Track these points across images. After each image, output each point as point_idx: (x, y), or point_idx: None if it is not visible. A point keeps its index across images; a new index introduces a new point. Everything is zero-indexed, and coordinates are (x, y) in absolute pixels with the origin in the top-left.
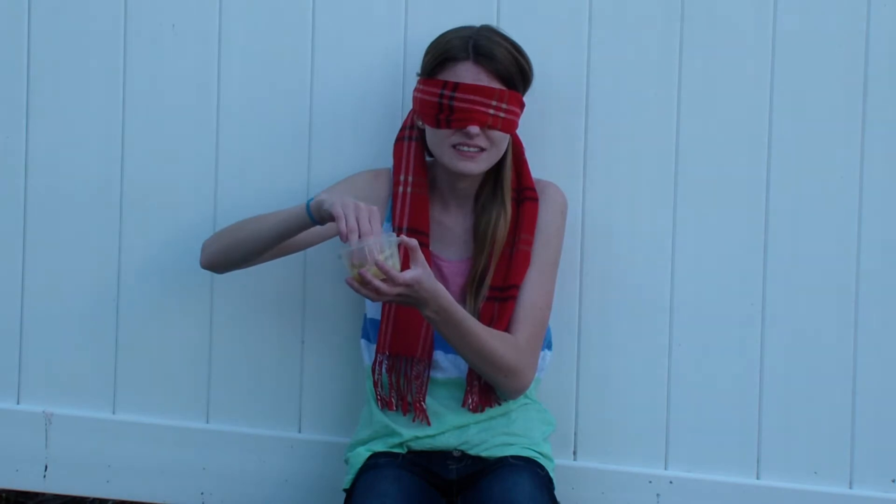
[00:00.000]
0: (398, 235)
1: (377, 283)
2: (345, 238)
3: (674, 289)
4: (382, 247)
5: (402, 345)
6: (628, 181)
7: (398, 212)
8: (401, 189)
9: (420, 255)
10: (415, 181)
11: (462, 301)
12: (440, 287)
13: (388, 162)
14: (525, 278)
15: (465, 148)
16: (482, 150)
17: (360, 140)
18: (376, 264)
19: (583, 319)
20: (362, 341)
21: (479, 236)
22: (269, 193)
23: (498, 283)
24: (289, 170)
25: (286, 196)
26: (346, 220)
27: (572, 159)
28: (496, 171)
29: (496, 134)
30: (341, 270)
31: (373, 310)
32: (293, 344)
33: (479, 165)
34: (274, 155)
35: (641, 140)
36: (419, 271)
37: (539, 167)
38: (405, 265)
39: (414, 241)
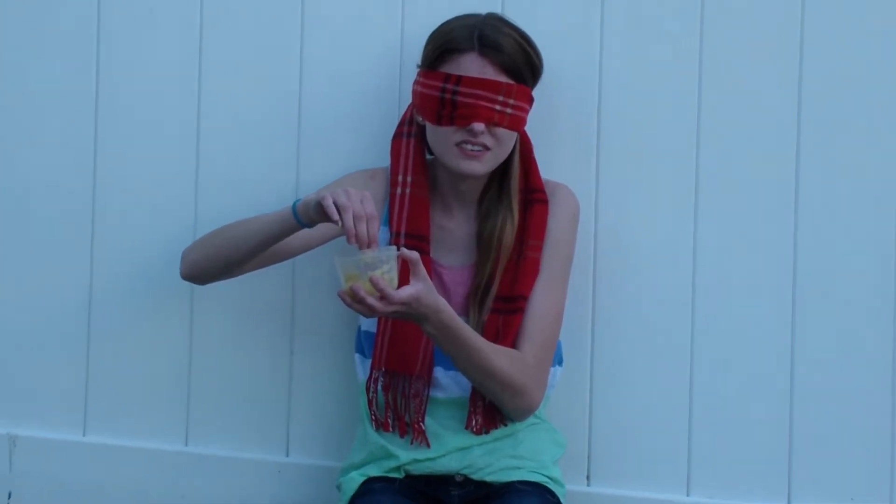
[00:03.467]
0: (396, 243)
1: (370, 300)
2: (331, 214)
3: (695, 301)
4: (379, 260)
5: (400, 361)
6: (645, 183)
7: (396, 214)
8: (399, 190)
9: (421, 269)
10: (414, 181)
11: (465, 312)
12: (441, 301)
13: (385, 161)
14: (533, 288)
15: (469, 146)
16: (487, 148)
17: (354, 137)
18: (370, 280)
19: (596, 332)
20: (356, 356)
21: (484, 242)
22: (255, 197)
23: (504, 293)
24: (276, 171)
25: (273, 200)
26: (337, 202)
27: (584, 159)
28: (502, 171)
29: (502, 131)
30: (334, 277)
31: (367, 322)
32: (281, 358)
33: (483, 166)
34: (260, 155)
35: (659, 138)
36: (418, 287)
37: (548, 168)
38: (404, 277)
39: (415, 255)
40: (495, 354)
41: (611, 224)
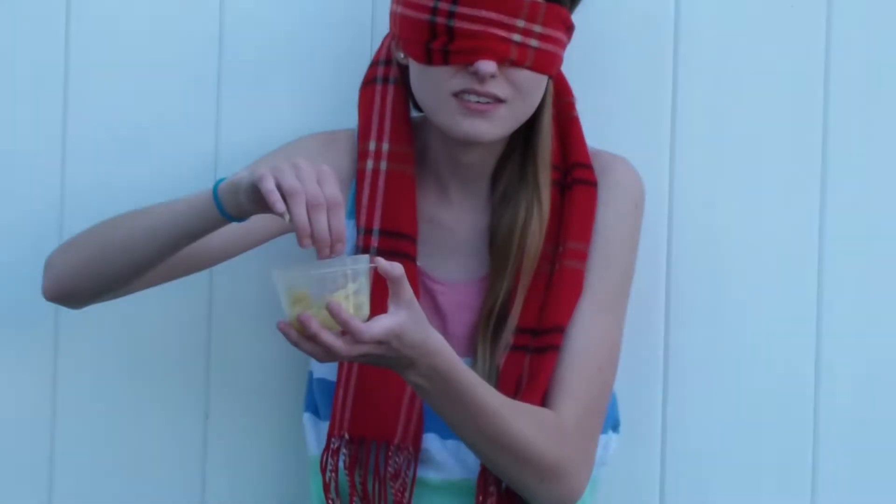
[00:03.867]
0: (366, 244)
1: (327, 336)
2: (270, 199)
3: (821, 330)
4: (341, 275)
5: (372, 423)
6: (742, 161)
7: (366, 201)
8: (370, 164)
9: (406, 291)
10: (393, 151)
11: (469, 352)
12: (435, 338)
13: (351, 119)
14: (575, 315)
15: (474, 98)
16: (500, 101)
17: (302, 85)
18: (328, 307)
19: (670, 380)
20: (306, 416)
21: (499, 244)
22: (151, 175)
23: (529, 322)
24: (186, 136)
25: (182, 179)
26: (282, 183)
27: (652, 124)
28: (526, 136)
29: (525, 75)
30: (271, 298)
31: (322, 366)
32: (189, 421)
33: (495, 127)
34: (161, 111)
35: (763, 97)
36: (400, 318)
37: (598, 135)
38: (379, 301)
39: (398, 269)
40: (516, 417)
41: (691, 218)
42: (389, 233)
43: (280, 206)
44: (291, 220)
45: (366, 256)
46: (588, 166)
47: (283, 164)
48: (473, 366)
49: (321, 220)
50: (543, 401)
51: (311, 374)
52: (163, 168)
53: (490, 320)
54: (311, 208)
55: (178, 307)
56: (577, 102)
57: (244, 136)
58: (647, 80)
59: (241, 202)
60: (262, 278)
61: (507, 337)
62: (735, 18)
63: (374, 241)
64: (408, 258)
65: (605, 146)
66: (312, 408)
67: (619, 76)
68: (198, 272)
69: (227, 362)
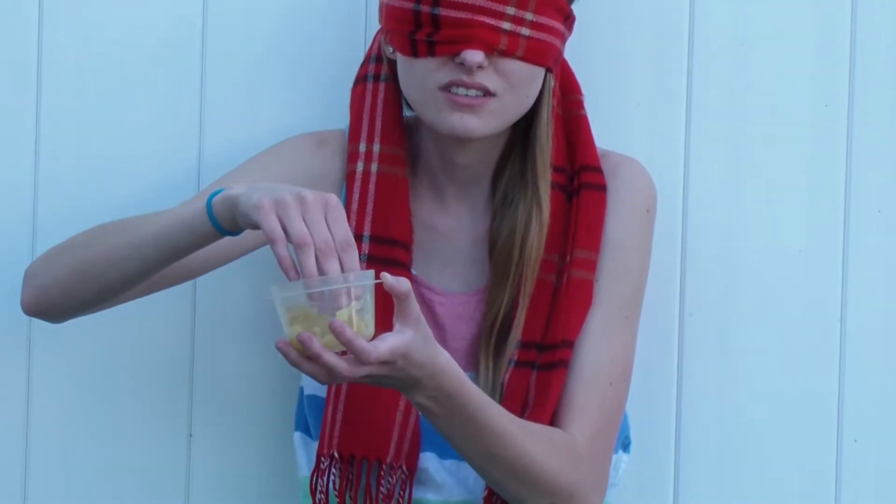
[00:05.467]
0: (370, 267)
1: (330, 357)
2: (289, 271)
3: (844, 343)
4: (344, 293)
5: (362, 440)
6: (761, 165)
7: (356, 205)
8: (361, 166)
9: (413, 308)
10: (384, 153)
11: (470, 366)
12: (443, 357)
13: (343, 119)
14: (584, 329)
15: (462, 91)
16: (490, 94)
17: (291, 82)
18: (331, 326)
19: (684, 394)
20: (296, 435)
21: (499, 252)
22: (130, 183)
23: (534, 336)
24: (165, 141)
25: (162, 187)
26: (288, 228)
27: (666, 124)
28: (525, 136)
29: (515, 67)
30: (270, 316)
31: (312, 383)
32: (172, 441)
33: (485, 122)
34: (136, 116)
35: (784, 94)
36: (407, 337)
37: (607, 136)
38: (383, 318)
39: (405, 285)
40: (528, 438)
41: (708, 223)
42: (381, 239)
43: (292, 273)
44: (300, 268)
45: (370, 272)
46: (597, 169)
47: (285, 194)
48: (475, 382)
49: (333, 267)
50: (553, 420)
51: (301, 390)
52: (143, 173)
53: (492, 333)
54: (321, 256)
55: (160, 319)
56: (585, 101)
57: (229, 137)
58: (661, 78)
59: (239, 218)
60: (248, 288)
61: (511, 351)
62: (752, 12)
63: (365, 248)
64: (401, 266)
65: (616, 147)
66: (303, 426)
67: (631, 73)
68: (182, 283)
69: (212, 378)
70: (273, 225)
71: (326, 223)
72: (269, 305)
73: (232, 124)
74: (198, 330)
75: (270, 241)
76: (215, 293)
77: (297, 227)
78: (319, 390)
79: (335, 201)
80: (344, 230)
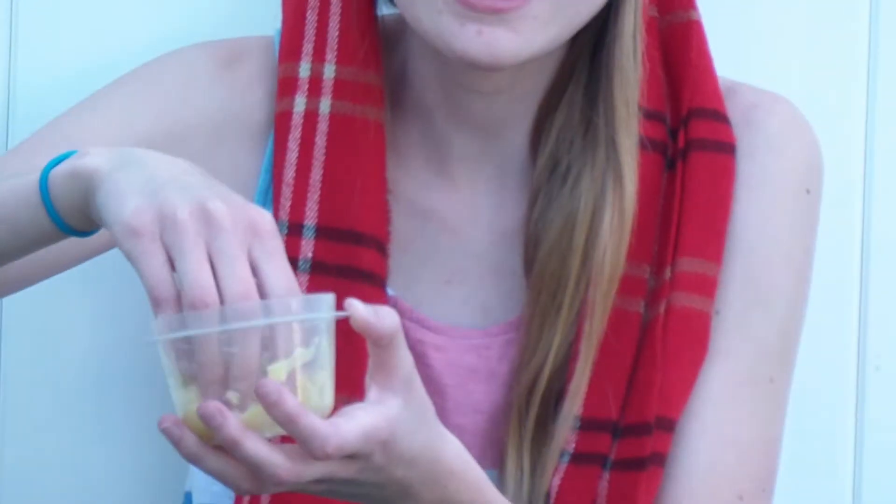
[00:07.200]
0: (292, 245)
1: (255, 447)
2: (159, 304)
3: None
4: (283, 332)
5: None
6: None
7: (294, 171)
8: (302, 102)
9: (400, 359)
10: (343, 80)
11: (490, 458)
12: (449, 448)
13: (265, 21)
14: (694, 400)
15: None
16: None
17: None
18: (259, 393)
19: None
20: None
21: (546, 259)
22: None
23: (606, 411)
24: None
25: None
26: (184, 280)
27: (837, 52)
28: (592, 56)
29: None
30: (148, 370)
31: (208, 487)
32: None
33: (522, 39)
34: None
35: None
36: (391, 411)
37: (739, 63)
38: (348, 378)
39: (389, 320)
40: None
41: None
42: (334, 232)
43: (157, 294)
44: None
45: (327, 297)
46: (719, 116)
47: (180, 203)
48: (499, 488)
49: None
50: None
51: (188, 497)
52: None
53: (531, 403)
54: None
55: None
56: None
57: (57, 56)
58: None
59: (89, 214)
60: (82, 312)
61: (564, 436)
62: None
63: (307, 248)
64: (369, 280)
65: (754, 81)
66: None
67: None
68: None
69: (21, 477)
70: (158, 274)
71: (252, 264)
72: (146, 352)
73: (63, 27)
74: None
75: (153, 302)
76: (31, 321)
77: (194, 271)
78: (221, 498)
79: (268, 223)
80: (285, 280)
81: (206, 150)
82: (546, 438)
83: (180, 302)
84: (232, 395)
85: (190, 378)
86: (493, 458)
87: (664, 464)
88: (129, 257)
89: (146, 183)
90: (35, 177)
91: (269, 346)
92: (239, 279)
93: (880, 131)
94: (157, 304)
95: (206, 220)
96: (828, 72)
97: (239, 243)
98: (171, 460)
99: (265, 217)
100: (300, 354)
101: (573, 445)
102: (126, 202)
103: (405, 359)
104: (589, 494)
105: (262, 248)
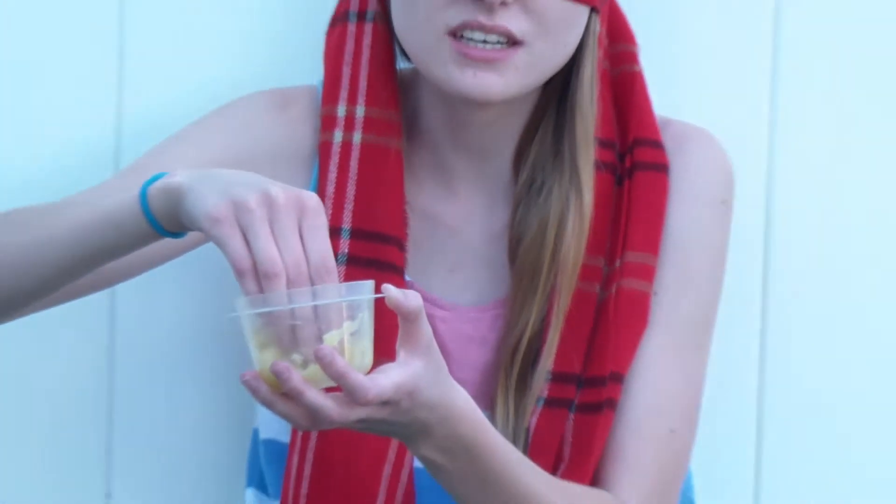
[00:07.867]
0: (351, 272)
1: (313, 396)
2: (242, 274)
3: None
4: (334, 311)
5: (341, 500)
6: (872, 140)
7: (333, 188)
8: (339, 135)
9: (423, 331)
10: (372, 117)
11: (484, 404)
12: (459, 397)
13: (311, 72)
14: (638, 358)
15: (478, 37)
16: (516, 42)
17: (243, 23)
18: (318, 355)
19: (764, 442)
20: (248, 492)
21: (525, 252)
22: (30, 161)
23: (572, 366)
24: (75, 107)
25: (71, 165)
26: (257, 256)
27: (745, 85)
28: (561, 98)
29: (550, 3)
30: (219, 336)
31: (271, 424)
32: (87, 501)
33: (507, 82)
34: (37, 74)
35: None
36: (415, 370)
37: (670, 101)
38: (382, 345)
39: (414, 301)
40: (563, 501)
41: (801, 217)
42: (364, 233)
43: (250, 282)
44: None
45: (368, 283)
46: (656, 144)
47: (248, 194)
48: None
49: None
50: (596, 478)
51: (256, 433)
52: (49, 149)
53: (514, 361)
54: (288, 285)
55: (70, 340)
56: (641, 53)
57: (157, 97)
58: (742, 23)
59: (182, 217)
60: (180, 297)
61: (540, 386)
62: None
63: (344, 246)
64: (392, 270)
65: (682, 116)
66: (257, 481)
67: (702, 17)
68: (96, 292)
69: (135, 419)
70: (239, 251)
71: (301, 236)
72: (234, 325)
73: (160, 79)
74: (117, 353)
75: (236, 273)
76: (138, 308)
77: (265, 247)
78: (280, 433)
79: (314, 203)
80: (322, 248)
81: (265, 173)
82: (526, 388)
83: (257, 270)
84: (296, 357)
85: (264, 343)
86: (486, 404)
87: (615, 407)
88: (216, 241)
89: (220, 186)
90: (137, 192)
91: (325, 320)
92: (292, 251)
93: (779, 155)
94: (240, 274)
95: (269, 203)
96: (735, 105)
97: (293, 220)
98: (245, 405)
99: (313, 198)
100: (348, 326)
101: (546, 393)
102: (207, 200)
103: (426, 330)
104: (559, 430)
105: (309, 223)
